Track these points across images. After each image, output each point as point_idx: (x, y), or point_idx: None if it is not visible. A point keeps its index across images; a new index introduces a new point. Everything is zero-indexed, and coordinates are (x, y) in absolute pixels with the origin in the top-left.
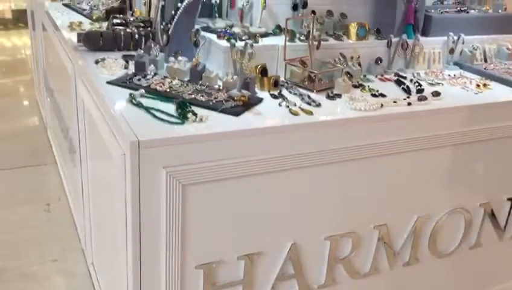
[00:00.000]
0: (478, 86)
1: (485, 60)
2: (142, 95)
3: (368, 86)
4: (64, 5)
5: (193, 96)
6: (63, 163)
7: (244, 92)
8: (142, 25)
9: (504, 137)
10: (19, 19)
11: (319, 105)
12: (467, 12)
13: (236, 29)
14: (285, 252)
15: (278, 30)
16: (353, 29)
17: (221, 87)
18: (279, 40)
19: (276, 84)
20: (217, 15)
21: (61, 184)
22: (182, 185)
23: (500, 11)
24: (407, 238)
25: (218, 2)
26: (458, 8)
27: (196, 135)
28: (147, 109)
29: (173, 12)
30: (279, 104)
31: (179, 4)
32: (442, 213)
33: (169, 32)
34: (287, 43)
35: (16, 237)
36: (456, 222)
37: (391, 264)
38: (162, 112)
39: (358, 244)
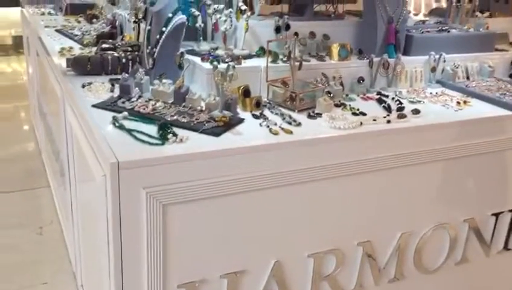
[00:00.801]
0: (459, 103)
1: (468, 78)
2: (125, 118)
3: (350, 105)
4: (57, 30)
5: (175, 117)
6: (56, 186)
7: (226, 112)
8: (130, 49)
9: (485, 153)
10: (19, 45)
11: (299, 124)
12: (448, 31)
13: (220, 52)
14: (268, 270)
15: (262, 52)
16: (335, 49)
17: (203, 109)
18: (263, 62)
19: (258, 104)
20: (201, 38)
21: (54, 207)
22: (162, 205)
23: (481, 29)
24: (392, 254)
25: (203, 25)
26: (439, 28)
27: (175, 156)
28: (129, 131)
29: (158, 36)
30: (260, 124)
31: (164, 29)
32: (426, 229)
33: (155, 56)
34: (270, 64)
35: (8, 260)
36: (440, 238)
37: (376, 280)
38: (144, 133)
39: (343, 261)
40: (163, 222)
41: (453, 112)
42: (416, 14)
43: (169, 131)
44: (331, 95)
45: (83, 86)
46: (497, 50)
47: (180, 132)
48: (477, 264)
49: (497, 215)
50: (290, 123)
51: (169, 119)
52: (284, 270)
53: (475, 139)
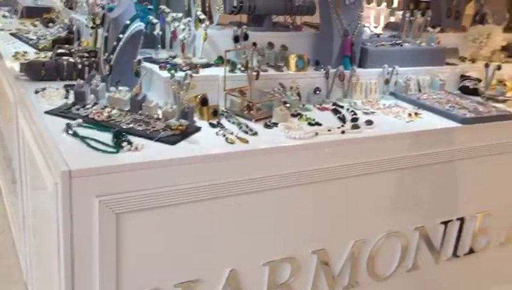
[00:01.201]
0: (410, 115)
1: (419, 90)
2: (79, 125)
3: (306, 115)
4: (12, 34)
5: (131, 125)
6: (7, 193)
7: (182, 121)
8: (86, 55)
9: (434, 163)
10: None
11: (255, 134)
12: (401, 45)
13: (178, 60)
14: (223, 279)
15: (220, 61)
16: (292, 60)
17: (160, 117)
18: (221, 71)
19: (215, 113)
20: (159, 46)
21: (6, 215)
22: (115, 213)
23: (433, 44)
24: (346, 262)
25: (161, 33)
26: (393, 42)
27: (128, 164)
28: (82, 138)
29: (115, 43)
30: (217, 133)
31: (121, 35)
32: (379, 237)
33: (112, 63)
34: (228, 74)
35: None
36: (392, 246)
37: (331, 288)
38: (98, 141)
39: (298, 270)
40: (117, 231)
41: (404, 123)
42: (376, 27)
43: (124, 139)
44: (288, 105)
45: (36, 92)
46: (447, 64)
47: (135, 140)
48: (427, 271)
49: (446, 223)
50: (246, 132)
51: (124, 127)
52: (239, 279)
53: (425, 150)
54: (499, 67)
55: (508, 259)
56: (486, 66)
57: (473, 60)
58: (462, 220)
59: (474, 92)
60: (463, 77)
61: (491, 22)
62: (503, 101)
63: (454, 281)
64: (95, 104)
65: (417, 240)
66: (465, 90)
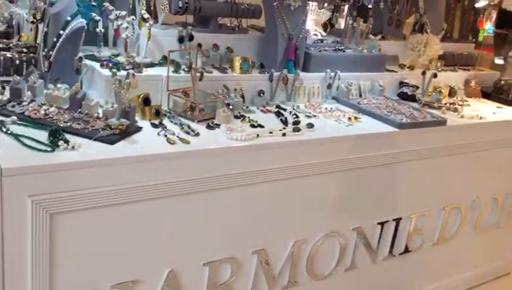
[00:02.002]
0: (350, 119)
1: (360, 95)
2: (14, 122)
3: (249, 117)
4: None
5: (69, 124)
6: None
7: (123, 120)
8: (25, 50)
9: (372, 166)
10: None
11: (197, 134)
12: (344, 51)
13: (121, 59)
14: (162, 279)
15: (164, 61)
16: (237, 62)
17: (100, 116)
18: (165, 71)
19: (157, 113)
20: (102, 44)
21: None
22: (49, 214)
23: (373, 51)
24: (286, 262)
25: (103, 31)
26: (336, 47)
27: (63, 163)
28: (16, 137)
29: (55, 39)
30: (158, 134)
31: (62, 32)
32: (318, 237)
33: (51, 59)
34: (172, 74)
35: None
36: (331, 245)
37: (270, 287)
38: (33, 139)
39: (238, 270)
40: (50, 232)
41: (344, 127)
42: (320, 33)
43: (60, 138)
44: (231, 106)
45: None
46: (387, 71)
47: (73, 139)
48: (365, 270)
49: (382, 224)
50: (188, 133)
51: (62, 125)
52: (179, 279)
53: (363, 153)
54: (435, 75)
55: (440, 258)
56: (423, 73)
57: (412, 68)
58: (398, 220)
59: (412, 98)
60: (402, 84)
61: (429, 31)
62: (438, 108)
63: (391, 279)
64: (32, 101)
65: (355, 240)
66: (404, 96)
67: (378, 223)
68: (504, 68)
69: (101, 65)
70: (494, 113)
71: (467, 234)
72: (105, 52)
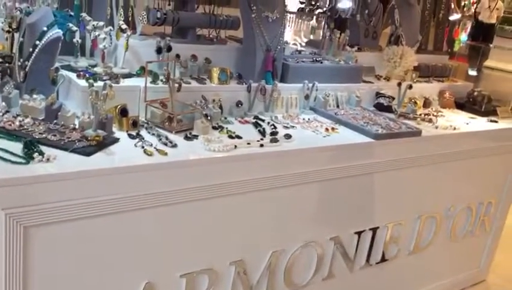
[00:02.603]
0: (327, 129)
1: (337, 106)
2: None
3: (227, 128)
4: None
5: (44, 135)
6: None
7: (100, 132)
8: (0, 60)
9: (349, 176)
10: None
11: (175, 146)
12: (321, 62)
13: (98, 69)
14: None
15: (142, 71)
16: (215, 73)
17: (76, 127)
18: (142, 82)
19: (134, 124)
20: (79, 54)
21: None
22: (23, 227)
23: (350, 62)
24: (263, 272)
25: (80, 41)
26: (313, 59)
27: (37, 176)
28: None
29: (31, 49)
30: (135, 145)
31: (37, 42)
32: (296, 247)
33: (27, 69)
34: (150, 85)
35: None
36: (309, 255)
37: None
38: (7, 151)
39: (215, 281)
40: (24, 245)
41: (321, 137)
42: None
43: (35, 149)
44: (209, 117)
45: None
46: (364, 82)
47: (48, 150)
48: (342, 279)
49: (359, 233)
50: (166, 144)
51: (37, 136)
52: None
53: (339, 164)
54: (410, 87)
55: (417, 266)
56: (399, 85)
57: (388, 79)
58: (374, 230)
59: (388, 109)
60: (378, 94)
61: (405, 43)
62: (414, 118)
63: (368, 288)
64: (7, 112)
65: (332, 249)
66: (380, 107)
67: (355, 233)
68: (477, 79)
69: (78, 76)
70: (467, 123)
71: (442, 242)
72: (82, 63)
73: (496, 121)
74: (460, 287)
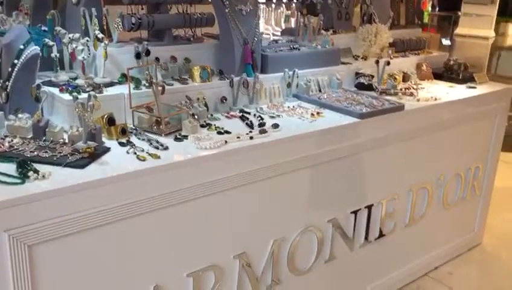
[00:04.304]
0: (313, 114)
1: (320, 90)
2: None
3: (215, 125)
4: None
5: (35, 153)
6: None
7: (90, 143)
8: None
9: (339, 158)
10: None
11: (166, 148)
12: (299, 49)
13: (80, 81)
14: None
15: (124, 79)
16: (196, 72)
17: (66, 141)
18: (125, 89)
19: (124, 132)
20: (58, 68)
21: None
22: (27, 246)
23: (327, 46)
24: (267, 262)
25: (58, 55)
26: (291, 46)
27: (35, 194)
28: None
29: (10, 69)
30: (127, 152)
31: (16, 61)
32: (296, 233)
33: (8, 90)
34: (133, 91)
35: None
36: (309, 240)
37: (255, 289)
38: (1, 173)
39: (221, 276)
40: (31, 264)
41: (308, 123)
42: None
43: (29, 168)
44: (196, 116)
45: None
46: (343, 63)
47: (42, 167)
48: (343, 259)
49: (355, 212)
50: (157, 148)
51: (28, 155)
52: None
53: (329, 147)
54: (388, 63)
55: (414, 238)
56: (377, 62)
57: (365, 58)
58: (369, 207)
59: (369, 87)
60: (358, 74)
61: (377, 21)
62: (395, 94)
63: (369, 264)
64: None
65: (331, 231)
66: (361, 87)
67: (352, 212)
68: (451, 48)
69: (61, 90)
70: (448, 93)
71: (436, 211)
72: (63, 77)
73: (475, 87)
74: (458, 253)
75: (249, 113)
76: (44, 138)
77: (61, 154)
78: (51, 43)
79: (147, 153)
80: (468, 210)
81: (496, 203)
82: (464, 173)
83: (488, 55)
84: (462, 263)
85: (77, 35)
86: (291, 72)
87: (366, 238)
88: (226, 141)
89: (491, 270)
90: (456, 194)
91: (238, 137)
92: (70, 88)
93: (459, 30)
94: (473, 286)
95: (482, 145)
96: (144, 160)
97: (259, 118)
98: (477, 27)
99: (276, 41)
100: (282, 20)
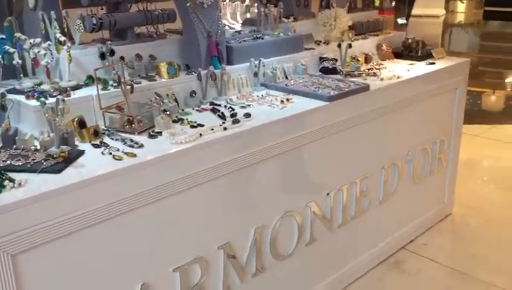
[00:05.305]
0: (282, 101)
1: (286, 77)
2: None
3: (187, 119)
4: None
5: (8, 162)
6: None
7: (64, 147)
8: None
9: (312, 141)
10: None
11: (141, 146)
12: (262, 38)
13: (45, 87)
14: None
15: (90, 80)
16: (163, 68)
17: (38, 148)
18: (93, 90)
19: (96, 133)
20: (21, 75)
21: None
22: (10, 255)
23: (289, 33)
24: (251, 250)
25: (20, 62)
26: (254, 36)
27: (14, 203)
28: None
29: None
30: (102, 153)
31: None
32: (276, 219)
33: None
34: (101, 92)
35: None
36: (289, 225)
37: (241, 278)
38: None
39: (207, 268)
40: (15, 273)
41: (278, 110)
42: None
43: (4, 177)
44: (168, 112)
45: None
46: (306, 49)
47: (17, 176)
48: (324, 241)
49: (331, 194)
50: (132, 146)
51: (1, 165)
52: None
53: (302, 131)
54: (350, 46)
55: (388, 214)
56: (339, 46)
57: (327, 42)
58: (344, 187)
59: (334, 71)
60: (322, 59)
61: (335, 5)
62: (359, 75)
63: (349, 243)
64: None
65: (310, 214)
66: (326, 71)
67: (327, 194)
68: (407, 29)
69: (27, 97)
70: (409, 70)
71: (407, 186)
72: (27, 83)
73: (434, 63)
74: (431, 224)
75: (219, 105)
76: (15, 147)
77: (35, 161)
78: (11, 50)
79: (122, 152)
80: (437, 183)
81: (462, 174)
82: (430, 147)
83: (441, 32)
84: (435, 233)
85: (38, 40)
86: (257, 62)
87: (343, 218)
88: (200, 134)
89: (462, 238)
90: (424, 168)
91: (212, 129)
92: (36, 94)
93: (414, 11)
94: (447, 254)
95: (445, 119)
96: (120, 159)
97: (230, 109)
98: (429, 6)
99: (239, 32)
100: (239, 13)
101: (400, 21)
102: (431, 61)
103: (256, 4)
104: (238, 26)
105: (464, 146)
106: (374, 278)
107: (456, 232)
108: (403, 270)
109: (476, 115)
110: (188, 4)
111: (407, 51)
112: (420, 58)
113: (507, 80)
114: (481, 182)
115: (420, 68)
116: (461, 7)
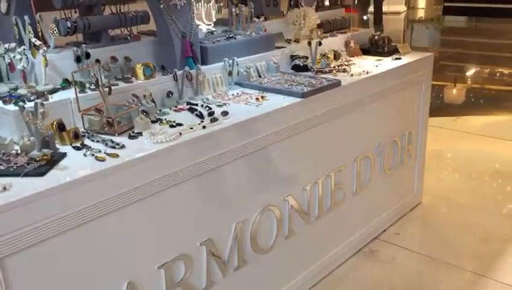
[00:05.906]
0: (257, 99)
1: (259, 76)
2: None
3: (166, 119)
4: None
5: None
6: None
7: (45, 150)
8: None
9: (288, 137)
10: None
11: (123, 147)
12: (235, 38)
13: (22, 91)
14: None
15: (66, 84)
16: (139, 70)
17: (19, 152)
18: (70, 93)
19: (76, 136)
20: None
21: None
22: None
23: (261, 32)
24: (232, 244)
25: None
26: (227, 36)
27: (1, 206)
28: None
29: None
30: (85, 154)
31: None
32: (255, 214)
33: None
34: (79, 94)
35: None
36: (268, 219)
37: (223, 273)
38: None
39: (191, 264)
40: (4, 276)
41: (255, 107)
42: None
43: None
44: (146, 113)
45: None
46: (277, 48)
47: (1, 180)
48: (302, 233)
49: (307, 187)
50: (114, 147)
51: None
52: (139, 288)
53: (277, 128)
54: (319, 43)
55: (362, 205)
56: (309, 44)
57: (297, 40)
58: (320, 180)
59: (305, 68)
60: (293, 57)
61: (304, 4)
62: (330, 72)
63: (326, 234)
64: None
65: (288, 208)
66: (297, 68)
67: (304, 188)
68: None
69: (4, 101)
70: (376, 66)
71: (379, 177)
72: (3, 88)
73: (400, 58)
74: (402, 213)
75: (196, 104)
76: None
77: (17, 165)
78: None
79: (104, 153)
80: (407, 173)
81: (430, 164)
82: (399, 139)
83: (403, 28)
84: (406, 222)
85: (13, 45)
86: (230, 61)
87: (319, 210)
88: (180, 133)
89: (432, 226)
90: (394, 159)
91: (191, 128)
92: (14, 99)
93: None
94: (419, 242)
95: (413, 112)
96: (103, 160)
97: (207, 108)
98: (391, 3)
99: (211, 32)
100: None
101: (365, 17)
102: (397, 56)
103: (228, 5)
104: (211, 27)
105: (430, 138)
106: (351, 267)
107: (426, 220)
108: (377, 258)
109: (439, 107)
110: (161, 6)
111: (374, 47)
112: (387, 54)
113: (467, 74)
114: (447, 172)
115: (387, 63)
116: (421, 3)
